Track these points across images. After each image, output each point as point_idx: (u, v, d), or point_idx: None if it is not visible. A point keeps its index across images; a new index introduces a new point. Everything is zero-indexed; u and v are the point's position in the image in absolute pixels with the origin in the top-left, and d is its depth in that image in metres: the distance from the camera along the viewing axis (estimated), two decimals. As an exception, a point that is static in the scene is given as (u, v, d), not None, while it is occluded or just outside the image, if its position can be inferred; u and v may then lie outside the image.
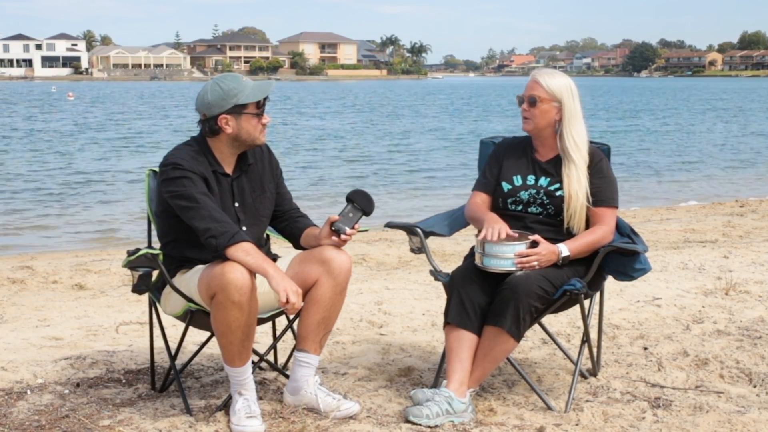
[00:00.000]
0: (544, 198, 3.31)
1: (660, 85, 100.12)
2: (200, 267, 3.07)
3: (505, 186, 3.39)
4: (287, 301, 2.85)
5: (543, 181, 3.34)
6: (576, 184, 3.25)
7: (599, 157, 3.34)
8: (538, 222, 3.31)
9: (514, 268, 3.16)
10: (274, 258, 3.28)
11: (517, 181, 3.38)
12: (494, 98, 56.44)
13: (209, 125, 3.10)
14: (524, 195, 3.34)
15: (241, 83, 3.08)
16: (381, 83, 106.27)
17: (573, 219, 3.28)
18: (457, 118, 35.56)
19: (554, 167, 3.34)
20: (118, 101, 49.11)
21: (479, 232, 3.61)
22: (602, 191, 3.29)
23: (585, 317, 3.32)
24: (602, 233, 3.26)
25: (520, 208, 3.35)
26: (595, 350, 3.60)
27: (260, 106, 3.11)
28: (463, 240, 6.90)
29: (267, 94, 3.12)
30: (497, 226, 3.18)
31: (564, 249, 3.18)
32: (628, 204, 11.77)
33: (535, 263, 3.14)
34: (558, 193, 3.29)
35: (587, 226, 3.32)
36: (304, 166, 17.22)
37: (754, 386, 3.50)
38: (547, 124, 3.31)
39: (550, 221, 3.31)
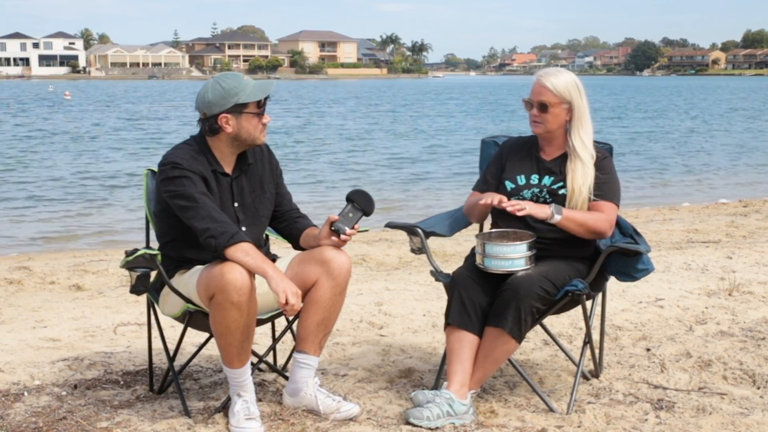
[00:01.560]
0: (547, 197, 3.29)
1: (668, 83, 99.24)
2: (199, 267, 3.05)
3: (509, 185, 3.37)
4: (286, 303, 2.84)
5: (547, 180, 3.32)
6: (581, 178, 3.23)
7: (603, 156, 3.33)
8: (540, 222, 3.28)
9: (515, 269, 3.14)
10: (274, 258, 3.27)
11: (521, 180, 3.36)
12: (509, 97, 56.06)
13: (209, 124, 3.08)
14: (527, 194, 3.32)
15: (242, 82, 3.06)
16: (383, 82, 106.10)
17: None
18: (484, 116, 35.00)
19: (559, 166, 3.32)
20: (126, 101, 48.63)
21: (480, 227, 3.60)
22: (604, 188, 3.27)
23: (587, 318, 3.31)
24: (600, 218, 3.20)
25: None
26: (597, 351, 3.58)
27: (261, 105, 3.09)
28: (464, 240, 6.87)
29: (268, 94, 3.10)
30: (493, 195, 3.19)
31: (558, 211, 3.13)
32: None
33: (525, 207, 3.09)
34: (561, 192, 3.27)
35: None
36: (345, 169, 16.63)
37: (758, 388, 3.48)
38: (560, 126, 3.30)
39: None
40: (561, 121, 3.28)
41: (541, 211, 3.14)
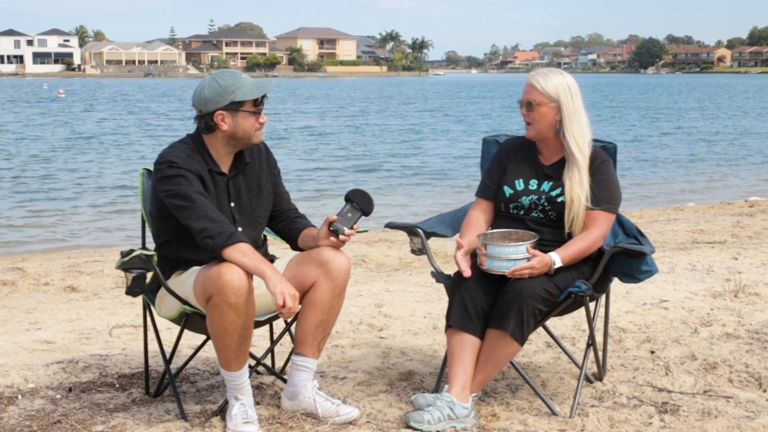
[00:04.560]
0: (546, 204, 3.26)
1: (678, 81, 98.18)
2: (196, 268, 3.02)
3: (507, 190, 3.33)
4: (283, 305, 2.80)
5: (545, 186, 3.28)
6: (578, 187, 3.20)
7: (602, 159, 3.28)
8: (540, 224, 3.26)
9: (517, 270, 3.10)
10: (272, 259, 3.23)
11: (519, 185, 3.32)
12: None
13: (205, 121, 3.04)
14: (525, 201, 3.29)
15: (239, 80, 3.02)
16: (384, 80, 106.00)
17: (575, 223, 3.23)
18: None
19: (557, 171, 3.29)
20: (134, 99, 47.92)
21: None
22: (600, 194, 3.22)
23: (590, 320, 3.27)
24: (593, 238, 3.19)
25: (522, 213, 3.31)
26: (600, 354, 3.55)
27: (258, 104, 3.04)
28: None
29: (265, 92, 3.06)
30: (457, 263, 3.20)
31: (557, 260, 3.12)
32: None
33: (527, 274, 3.08)
34: (560, 199, 3.24)
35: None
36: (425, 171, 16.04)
37: (764, 391, 3.45)
38: (549, 126, 3.25)
39: (552, 224, 3.27)
40: (550, 120, 3.23)
41: (542, 271, 3.09)
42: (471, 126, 28.60)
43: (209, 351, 3.55)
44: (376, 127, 27.91)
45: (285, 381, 3.33)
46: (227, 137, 3.06)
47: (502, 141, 3.53)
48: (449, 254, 6.74)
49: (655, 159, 18.15)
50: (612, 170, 3.29)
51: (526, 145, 3.39)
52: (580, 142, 3.22)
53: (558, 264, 3.11)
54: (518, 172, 3.34)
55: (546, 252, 3.16)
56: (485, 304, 3.12)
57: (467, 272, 3.16)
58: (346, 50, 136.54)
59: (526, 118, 3.26)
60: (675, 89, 69.79)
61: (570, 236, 3.23)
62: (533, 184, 3.31)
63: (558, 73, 3.26)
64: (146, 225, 3.31)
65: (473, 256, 3.25)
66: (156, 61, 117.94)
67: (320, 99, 49.34)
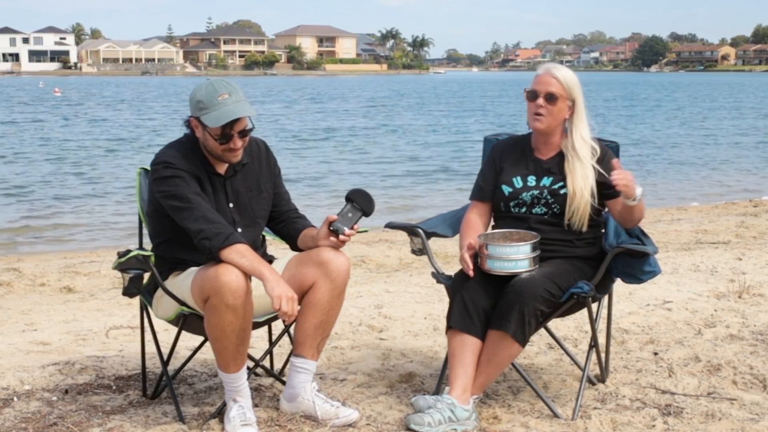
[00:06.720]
0: (549, 197, 3.23)
1: (686, 80, 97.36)
2: (193, 269, 3.00)
3: (506, 189, 3.30)
4: (280, 309, 2.77)
5: (546, 181, 3.26)
6: (581, 180, 3.17)
7: (606, 151, 3.27)
8: (542, 222, 3.24)
9: (518, 270, 3.08)
10: (270, 260, 3.21)
11: (518, 183, 3.30)
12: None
13: (187, 122, 3.03)
14: (526, 197, 3.26)
15: (213, 101, 2.91)
16: (385, 78, 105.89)
17: (575, 215, 3.20)
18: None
19: (557, 165, 3.26)
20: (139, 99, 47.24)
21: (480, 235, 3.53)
22: None
23: (593, 321, 3.26)
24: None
25: (523, 210, 3.28)
26: (603, 355, 3.53)
27: (225, 133, 2.93)
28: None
29: (222, 123, 2.89)
30: (465, 263, 3.13)
31: (639, 191, 2.97)
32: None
33: (629, 177, 2.93)
34: (563, 191, 3.22)
35: (590, 224, 3.22)
36: None
37: (769, 393, 3.42)
38: (560, 122, 3.24)
39: (556, 221, 3.23)
40: (563, 117, 3.23)
41: (631, 183, 2.94)
42: (508, 126, 28.39)
43: (207, 352, 3.53)
44: (413, 128, 27.16)
45: (284, 383, 3.31)
46: (202, 144, 3.02)
47: (494, 143, 3.49)
48: (450, 255, 6.72)
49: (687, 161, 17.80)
50: (618, 162, 3.27)
51: (520, 145, 3.37)
52: (586, 138, 3.22)
53: (640, 194, 2.98)
54: (515, 171, 3.32)
55: (549, 254, 3.15)
56: (486, 305, 3.10)
57: (472, 273, 3.13)
58: (346, 48, 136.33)
59: (540, 110, 3.19)
60: (692, 88, 69.29)
61: (570, 228, 3.20)
62: (531, 180, 3.28)
63: (569, 69, 3.26)
64: (143, 225, 3.28)
65: (474, 256, 3.22)
66: (153, 59, 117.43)
67: (333, 99, 48.89)
